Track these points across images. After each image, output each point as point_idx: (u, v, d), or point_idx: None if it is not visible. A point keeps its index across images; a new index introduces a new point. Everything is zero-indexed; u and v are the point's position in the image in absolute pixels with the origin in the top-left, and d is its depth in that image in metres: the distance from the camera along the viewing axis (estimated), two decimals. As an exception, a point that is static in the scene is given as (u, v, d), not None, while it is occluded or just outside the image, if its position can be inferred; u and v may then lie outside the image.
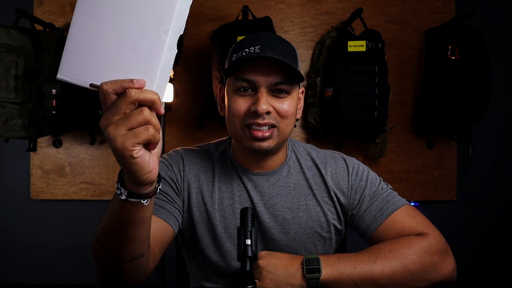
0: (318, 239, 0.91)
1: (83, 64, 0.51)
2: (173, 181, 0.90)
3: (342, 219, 0.93)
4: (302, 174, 0.93)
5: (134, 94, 0.49)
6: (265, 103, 0.78)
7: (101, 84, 0.50)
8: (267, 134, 0.81)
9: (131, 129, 0.49)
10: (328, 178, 0.92)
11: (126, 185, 0.57)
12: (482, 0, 2.07)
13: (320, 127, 1.91)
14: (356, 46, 1.72)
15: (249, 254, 0.59)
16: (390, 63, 1.85)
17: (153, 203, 0.83)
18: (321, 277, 0.74)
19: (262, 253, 0.78)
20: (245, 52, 0.79)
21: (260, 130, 0.80)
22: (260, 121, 0.79)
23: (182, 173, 0.91)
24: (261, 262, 0.76)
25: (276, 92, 0.81)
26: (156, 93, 0.50)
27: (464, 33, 1.83)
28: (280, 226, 0.89)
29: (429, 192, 2.09)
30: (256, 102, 0.79)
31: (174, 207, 0.87)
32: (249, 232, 0.61)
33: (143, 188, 0.57)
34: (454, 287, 0.76)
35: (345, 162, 0.95)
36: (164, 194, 0.87)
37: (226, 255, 0.89)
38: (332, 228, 0.92)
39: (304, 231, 0.89)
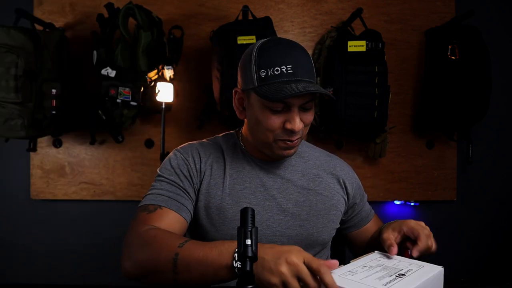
0: (328, 220, 0.98)
1: None
2: (189, 171, 0.94)
3: (347, 204, 1.04)
4: (309, 164, 1.03)
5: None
6: (300, 122, 0.85)
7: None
8: (296, 143, 0.89)
9: None
10: (337, 169, 1.04)
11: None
12: (482, 0, 2.07)
13: (320, 127, 1.91)
14: (356, 46, 1.72)
15: (249, 254, 0.59)
16: (390, 63, 1.85)
17: (168, 196, 0.89)
18: None
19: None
20: (277, 71, 0.81)
21: (291, 142, 0.88)
22: (294, 137, 0.87)
23: (198, 165, 0.95)
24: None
25: (304, 107, 0.87)
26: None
27: (464, 33, 1.83)
28: (293, 207, 0.96)
29: (429, 192, 2.09)
30: (291, 121, 0.84)
31: (187, 198, 0.92)
32: (249, 232, 0.61)
33: None
34: (454, 287, 0.76)
35: (344, 162, 1.10)
36: (179, 186, 0.92)
37: (234, 238, 0.91)
38: (338, 212, 1.01)
39: (315, 212, 0.97)
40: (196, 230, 0.96)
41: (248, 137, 0.98)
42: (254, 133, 0.92)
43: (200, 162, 0.96)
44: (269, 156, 0.96)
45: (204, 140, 1.04)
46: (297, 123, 0.84)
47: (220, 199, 0.93)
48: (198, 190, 0.95)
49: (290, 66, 0.82)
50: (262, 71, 0.83)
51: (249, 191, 0.94)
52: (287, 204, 0.95)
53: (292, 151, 0.91)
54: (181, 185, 0.92)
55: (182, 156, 0.96)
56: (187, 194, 0.92)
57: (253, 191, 0.95)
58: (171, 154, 0.98)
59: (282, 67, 0.81)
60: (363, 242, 1.08)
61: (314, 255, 1.00)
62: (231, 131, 1.06)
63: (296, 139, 0.88)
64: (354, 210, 1.06)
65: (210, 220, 0.93)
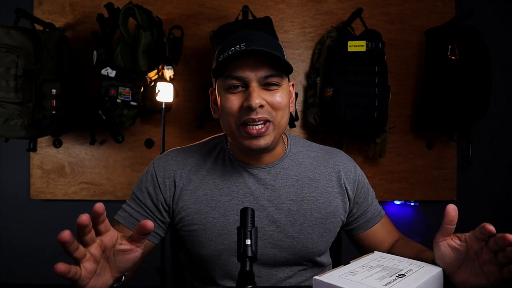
0: (324, 230, 0.91)
1: None
2: (156, 191, 0.90)
3: (348, 209, 0.95)
4: (304, 167, 0.93)
5: None
6: (257, 97, 0.78)
7: None
8: (262, 130, 0.80)
9: None
10: (338, 167, 0.94)
11: None
12: (482, 0, 2.07)
13: (320, 127, 1.91)
14: (356, 46, 1.72)
15: (249, 254, 0.59)
16: (390, 63, 1.85)
17: (130, 214, 0.89)
18: None
19: None
20: (231, 51, 0.78)
21: (255, 127, 0.80)
22: (254, 116, 0.78)
23: (171, 179, 0.90)
24: None
25: (267, 85, 0.81)
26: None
27: (464, 33, 1.83)
28: (286, 218, 0.88)
29: (429, 192, 2.09)
30: (248, 97, 0.78)
31: (154, 219, 0.90)
32: (249, 232, 0.60)
33: None
34: (455, 287, 0.75)
35: (347, 156, 1.00)
36: (144, 208, 0.89)
37: (224, 253, 0.87)
38: (337, 219, 0.93)
39: (310, 222, 0.89)
40: (185, 247, 0.93)
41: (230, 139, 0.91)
42: (224, 126, 0.86)
43: (175, 174, 0.90)
44: (258, 160, 0.89)
45: (188, 145, 0.98)
46: (254, 98, 0.77)
47: (204, 214, 0.87)
48: (171, 208, 0.90)
49: (244, 44, 0.78)
50: (220, 56, 0.81)
51: (236, 202, 0.87)
52: (279, 214, 0.88)
53: (262, 141, 0.80)
54: (147, 205, 0.89)
55: (154, 172, 0.91)
56: (151, 214, 0.90)
57: (241, 201, 0.87)
58: (148, 167, 0.93)
59: (237, 47, 0.78)
60: (371, 246, 0.98)
61: (308, 267, 0.94)
62: (219, 134, 0.99)
63: (261, 122, 0.80)
64: (358, 211, 0.96)
65: (195, 237, 0.88)
